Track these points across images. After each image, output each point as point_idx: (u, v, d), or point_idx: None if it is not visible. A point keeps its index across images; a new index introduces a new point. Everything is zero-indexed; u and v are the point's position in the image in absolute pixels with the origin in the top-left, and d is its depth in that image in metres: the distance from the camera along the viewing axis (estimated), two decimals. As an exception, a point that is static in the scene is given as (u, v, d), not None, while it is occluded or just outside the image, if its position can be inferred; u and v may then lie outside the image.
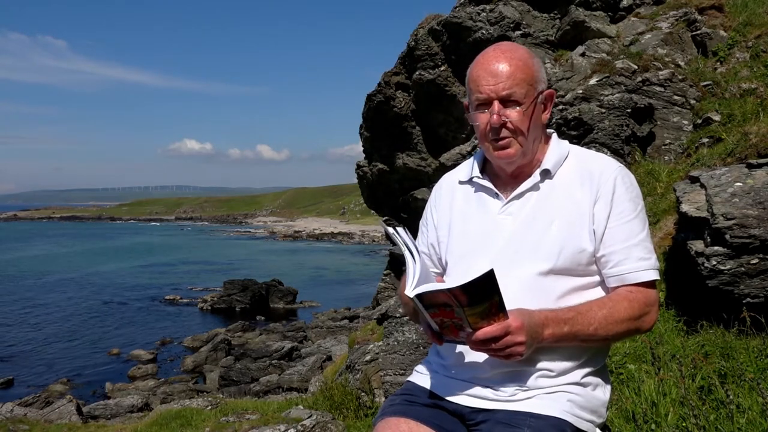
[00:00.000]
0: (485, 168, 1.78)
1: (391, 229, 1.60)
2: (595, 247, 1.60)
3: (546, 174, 1.67)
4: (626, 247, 1.58)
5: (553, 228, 1.60)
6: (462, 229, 1.74)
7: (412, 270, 1.49)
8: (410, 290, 1.45)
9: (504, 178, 1.72)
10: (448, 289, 1.37)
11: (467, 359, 1.63)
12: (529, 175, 1.68)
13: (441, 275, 1.82)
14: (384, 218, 14.35)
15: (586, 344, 1.58)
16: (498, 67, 1.59)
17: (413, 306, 1.57)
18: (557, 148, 1.71)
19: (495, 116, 1.60)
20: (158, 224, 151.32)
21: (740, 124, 6.16)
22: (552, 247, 1.59)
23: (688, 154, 6.83)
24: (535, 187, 1.66)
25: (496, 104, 1.60)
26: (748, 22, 8.21)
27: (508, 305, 1.41)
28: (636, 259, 1.58)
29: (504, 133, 1.62)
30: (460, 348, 1.64)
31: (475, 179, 1.76)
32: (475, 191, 1.76)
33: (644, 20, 8.94)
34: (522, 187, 1.67)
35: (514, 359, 1.47)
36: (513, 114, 1.60)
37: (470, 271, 1.61)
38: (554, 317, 1.50)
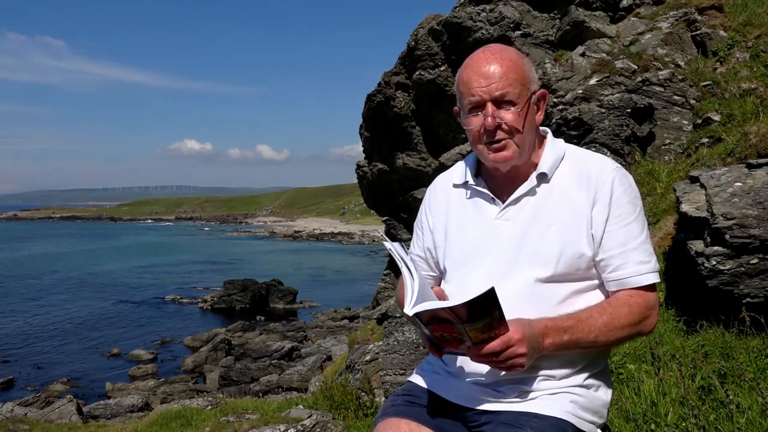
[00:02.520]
0: (479, 171, 1.74)
1: (388, 245, 1.57)
2: (594, 251, 1.57)
3: (542, 177, 1.63)
4: (625, 251, 1.56)
5: (551, 233, 1.58)
6: (459, 234, 1.71)
7: (411, 287, 1.47)
8: (409, 308, 1.43)
9: (500, 181, 1.69)
10: (449, 308, 1.36)
11: (469, 363, 1.61)
12: (526, 178, 1.65)
13: (437, 279, 1.81)
14: (384, 218, 14.35)
15: (587, 351, 1.57)
16: (489, 68, 1.56)
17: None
18: (553, 148, 1.67)
19: (489, 118, 1.56)
20: (171, 224, 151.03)
21: (740, 124, 6.16)
22: (551, 252, 1.57)
23: (688, 154, 6.83)
24: (531, 192, 1.63)
25: (490, 106, 1.56)
26: (748, 22, 8.21)
27: (508, 312, 1.39)
28: (635, 263, 1.56)
29: (499, 135, 1.58)
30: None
31: (470, 183, 1.73)
32: (470, 195, 1.73)
33: (644, 20, 8.94)
34: (518, 191, 1.64)
35: (516, 370, 1.46)
36: (508, 115, 1.56)
37: (469, 278, 1.59)
38: (554, 326, 1.48)
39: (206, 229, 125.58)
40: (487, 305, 1.33)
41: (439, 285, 1.76)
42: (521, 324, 1.43)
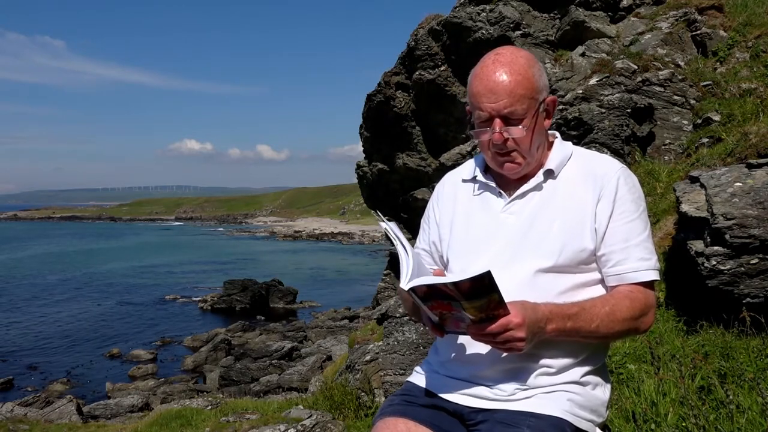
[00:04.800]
0: (489, 167, 1.78)
1: (383, 224, 1.62)
2: (596, 245, 1.60)
3: (549, 174, 1.68)
4: (627, 247, 1.59)
5: (555, 227, 1.61)
6: (464, 226, 1.74)
7: (406, 264, 1.50)
8: (405, 283, 1.45)
9: (507, 178, 1.73)
10: (444, 284, 1.38)
11: (466, 356, 1.63)
12: (533, 176, 1.69)
13: (442, 271, 1.82)
14: (384, 216, 14.34)
15: (586, 341, 1.58)
16: (497, 83, 1.57)
17: (413, 302, 1.58)
18: (561, 149, 1.72)
19: (496, 134, 1.60)
20: (182, 224, 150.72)
21: (740, 124, 6.16)
22: (553, 245, 1.59)
23: (688, 154, 6.83)
24: (538, 187, 1.67)
25: (498, 122, 1.60)
26: (748, 22, 8.21)
27: (510, 300, 1.42)
28: (636, 259, 1.59)
29: (507, 148, 1.63)
30: (460, 341, 1.65)
31: (478, 178, 1.77)
32: (478, 189, 1.77)
33: (644, 20, 8.94)
34: (525, 186, 1.68)
35: (514, 353, 1.48)
36: (515, 131, 1.60)
37: (471, 267, 1.61)
38: (559, 312, 1.50)
39: (220, 229, 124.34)
40: (483, 287, 1.35)
41: None
42: (524, 308, 1.44)
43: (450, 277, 1.40)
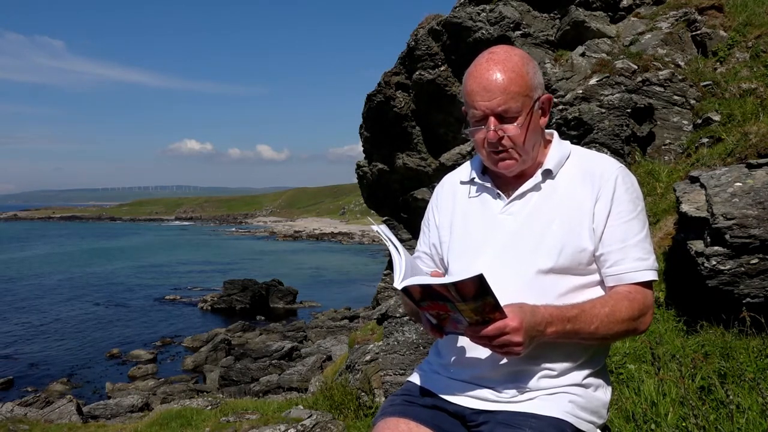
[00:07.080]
0: (486, 168, 1.77)
1: (375, 227, 1.62)
2: (594, 246, 1.60)
3: (547, 174, 1.67)
4: (624, 247, 1.58)
5: (554, 227, 1.61)
6: (463, 228, 1.74)
7: (399, 264, 1.50)
8: (398, 283, 1.45)
9: (505, 179, 1.72)
10: (438, 284, 1.38)
11: (467, 358, 1.63)
12: (531, 176, 1.68)
13: (443, 275, 1.82)
14: (384, 218, 14.34)
15: (585, 342, 1.58)
16: (491, 81, 1.57)
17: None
18: (559, 148, 1.71)
19: (491, 132, 1.59)
20: (192, 224, 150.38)
21: (740, 124, 6.16)
22: (553, 245, 1.59)
23: (688, 154, 6.83)
24: (536, 188, 1.66)
25: (492, 120, 1.59)
26: (748, 22, 8.20)
27: (510, 302, 1.41)
28: (634, 259, 1.58)
29: (502, 146, 1.62)
30: (460, 344, 1.64)
31: (476, 179, 1.77)
32: (476, 191, 1.76)
33: (644, 20, 8.94)
34: (523, 187, 1.67)
35: (512, 356, 1.48)
36: (509, 129, 1.59)
37: (470, 269, 1.62)
38: (559, 315, 1.49)
39: (232, 229, 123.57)
40: (477, 289, 1.34)
41: None
42: (522, 311, 1.43)
43: (443, 278, 1.39)
